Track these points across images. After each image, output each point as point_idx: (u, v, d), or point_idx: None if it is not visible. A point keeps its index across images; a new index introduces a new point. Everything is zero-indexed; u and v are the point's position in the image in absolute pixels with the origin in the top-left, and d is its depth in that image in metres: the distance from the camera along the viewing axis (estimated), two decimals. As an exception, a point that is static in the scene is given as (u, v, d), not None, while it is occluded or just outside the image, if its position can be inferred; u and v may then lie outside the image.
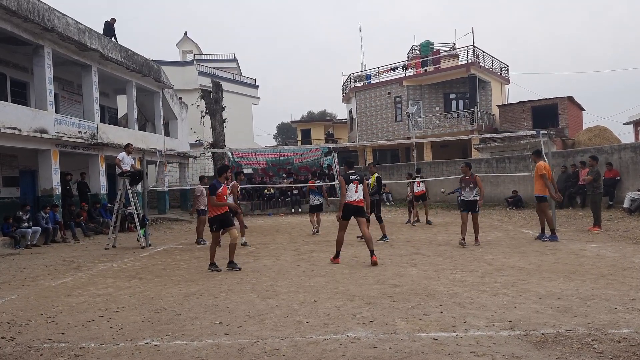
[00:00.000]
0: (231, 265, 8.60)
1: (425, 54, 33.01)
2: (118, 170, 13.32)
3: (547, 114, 28.52)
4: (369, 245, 8.65)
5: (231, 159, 25.30)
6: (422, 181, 16.22)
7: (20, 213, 13.88)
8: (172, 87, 25.95)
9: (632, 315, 4.99)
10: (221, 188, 8.71)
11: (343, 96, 39.42)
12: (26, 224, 13.80)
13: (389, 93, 33.13)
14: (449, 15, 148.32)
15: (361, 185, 8.83)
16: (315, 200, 14.54)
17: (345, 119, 42.50)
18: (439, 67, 32.05)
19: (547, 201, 10.99)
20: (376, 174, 12.85)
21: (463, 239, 10.43)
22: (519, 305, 5.51)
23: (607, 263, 7.84)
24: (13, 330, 5.37)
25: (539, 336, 4.45)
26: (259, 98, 46.76)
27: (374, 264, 8.34)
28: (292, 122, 50.50)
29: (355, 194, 8.73)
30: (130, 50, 20.94)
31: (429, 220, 15.97)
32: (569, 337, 4.41)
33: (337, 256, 8.89)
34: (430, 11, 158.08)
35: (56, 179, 16.15)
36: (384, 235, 11.90)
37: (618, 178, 16.66)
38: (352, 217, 8.81)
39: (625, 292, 5.92)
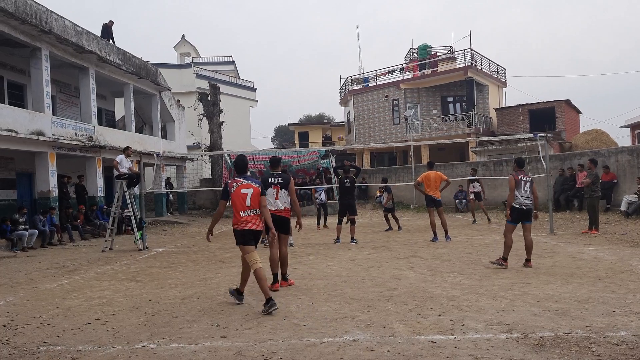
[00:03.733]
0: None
1: (423, 57, 33.07)
2: (116, 173, 13.30)
3: (544, 117, 28.58)
4: (281, 267, 7.13)
5: (228, 161, 25.27)
6: (477, 180, 16.82)
7: (17, 215, 13.84)
8: (170, 90, 25.93)
9: (629, 318, 4.99)
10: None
11: (341, 99, 39.44)
12: (23, 226, 13.76)
13: (386, 96, 33.15)
14: (447, 18, 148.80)
15: (284, 190, 7.04)
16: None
17: (343, 122, 42.52)
18: (437, 70, 32.11)
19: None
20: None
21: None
22: (516, 308, 5.50)
23: (604, 266, 7.85)
24: (9, 333, 5.34)
25: (536, 339, 4.45)
26: (257, 101, 46.75)
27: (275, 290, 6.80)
28: (289, 124, 50.53)
29: (275, 201, 6.98)
30: (128, 53, 20.92)
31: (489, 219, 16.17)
32: (567, 339, 4.41)
33: (274, 281, 7.00)
34: (428, 14, 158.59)
35: (53, 182, 16.10)
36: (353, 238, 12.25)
37: (615, 181, 16.70)
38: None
39: (623, 295, 5.93)
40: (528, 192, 8.09)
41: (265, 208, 5.98)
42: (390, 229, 15.12)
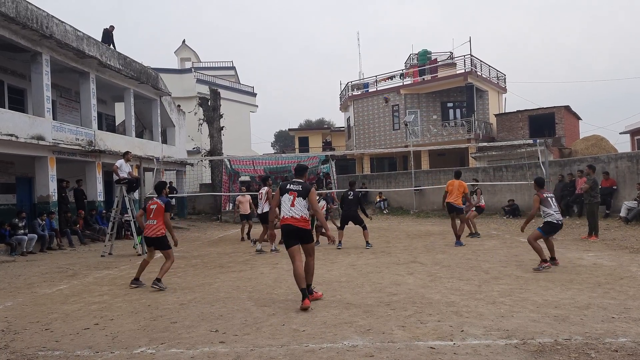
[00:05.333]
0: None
1: (423, 62, 33.14)
2: (115, 178, 13.30)
3: (544, 123, 28.62)
4: (308, 277, 6.51)
5: (229, 166, 25.29)
6: (475, 192, 15.47)
7: (16, 220, 13.82)
8: (170, 95, 25.98)
9: (629, 324, 4.99)
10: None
11: (341, 104, 39.50)
12: (22, 231, 13.74)
13: (386, 101, 33.21)
14: (447, 24, 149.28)
15: (301, 199, 6.52)
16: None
17: (343, 127, 42.57)
18: (437, 76, 32.16)
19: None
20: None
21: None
22: (516, 314, 5.50)
23: (604, 272, 7.85)
24: (8, 338, 5.33)
25: (536, 345, 4.44)
26: (257, 106, 46.85)
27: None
28: (289, 130, 50.60)
29: (290, 208, 6.48)
30: (129, 58, 20.97)
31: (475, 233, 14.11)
32: (566, 346, 4.41)
33: (304, 296, 6.21)
34: (428, 20, 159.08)
35: (53, 186, 16.10)
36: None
37: (615, 187, 16.70)
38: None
39: (623, 301, 5.92)
40: (556, 206, 8.60)
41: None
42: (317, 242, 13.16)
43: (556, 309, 5.65)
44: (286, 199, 6.53)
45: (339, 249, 12.11)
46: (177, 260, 11.39)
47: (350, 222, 12.78)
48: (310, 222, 6.72)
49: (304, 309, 6.01)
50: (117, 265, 10.93)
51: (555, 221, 8.42)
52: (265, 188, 12.61)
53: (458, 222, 12.39)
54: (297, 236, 6.43)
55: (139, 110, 24.24)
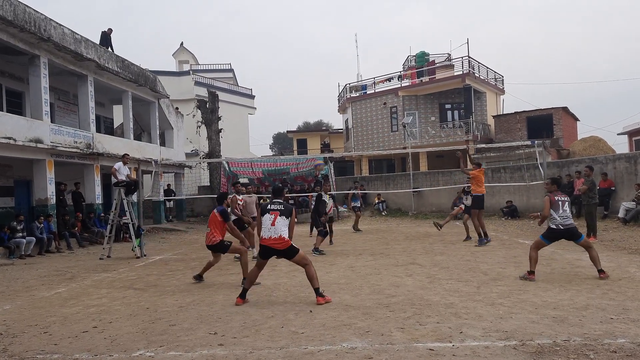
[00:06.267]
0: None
1: (421, 64, 33.18)
2: (114, 180, 13.29)
3: (542, 124, 28.67)
4: (312, 283, 6.70)
5: (227, 168, 25.28)
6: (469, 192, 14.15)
7: (15, 223, 13.80)
8: (168, 97, 25.96)
9: (628, 325, 4.99)
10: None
11: (339, 106, 39.52)
12: (20, 234, 13.73)
13: (384, 103, 33.26)
14: (445, 26, 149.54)
15: (283, 217, 6.65)
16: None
17: (341, 129, 42.58)
18: (435, 77, 32.20)
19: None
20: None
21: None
22: (515, 315, 5.50)
23: (602, 273, 7.84)
24: (6, 342, 5.32)
25: (535, 346, 4.45)
26: (255, 108, 46.84)
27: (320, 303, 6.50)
28: (288, 132, 50.57)
29: (271, 227, 6.59)
30: (127, 60, 20.97)
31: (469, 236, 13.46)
32: (565, 347, 4.41)
33: (243, 296, 6.74)
34: (426, 22, 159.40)
35: (51, 189, 16.07)
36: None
37: (613, 188, 16.73)
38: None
39: (621, 302, 5.93)
40: (567, 212, 7.77)
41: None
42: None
43: (555, 310, 5.66)
44: (267, 218, 6.65)
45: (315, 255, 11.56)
46: (175, 263, 11.42)
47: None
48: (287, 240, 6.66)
49: (237, 304, 6.56)
50: (116, 268, 10.92)
51: (556, 226, 7.72)
52: (233, 195, 11.60)
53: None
54: (276, 255, 6.72)
55: (137, 113, 24.22)
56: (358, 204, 19.03)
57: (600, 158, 18.15)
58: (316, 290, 6.57)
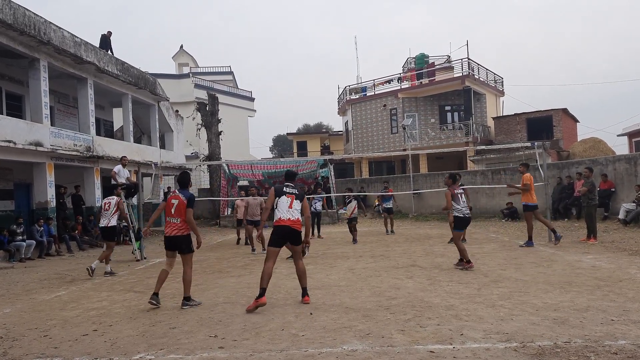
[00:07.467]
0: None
1: (421, 66, 33.22)
2: (114, 183, 13.28)
3: (541, 125, 28.67)
4: (300, 281, 6.90)
5: (227, 171, 25.28)
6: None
7: (15, 226, 13.80)
8: (168, 100, 25.98)
9: (628, 327, 4.98)
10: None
11: (339, 108, 39.55)
12: (20, 237, 13.72)
13: (384, 105, 33.28)
14: (444, 26, 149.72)
15: (298, 201, 6.80)
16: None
17: (341, 131, 42.60)
18: (434, 79, 32.24)
19: (531, 210, 11.89)
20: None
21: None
22: (515, 317, 5.50)
23: (603, 274, 7.85)
24: (6, 345, 5.32)
25: (535, 348, 4.44)
26: (255, 110, 46.87)
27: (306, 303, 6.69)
28: (288, 134, 50.64)
29: (288, 209, 6.71)
30: (127, 63, 20.98)
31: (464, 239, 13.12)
32: (565, 349, 4.40)
33: (261, 295, 6.42)
34: (425, 24, 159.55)
35: (51, 192, 16.07)
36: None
37: (613, 189, 16.73)
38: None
39: (622, 304, 5.92)
40: (465, 202, 9.33)
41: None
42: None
43: (555, 312, 5.65)
44: (284, 200, 6.76)
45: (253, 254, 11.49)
46: (175, 266, 11.36)
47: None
48: (301, 223, 6.91)
49: (258, 306, 6.32)
50: (116, 271, 10.90)
51: (462, 215, 9.15)
52: (116, 198, 10.88)
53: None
54: (289, 238, 6.70)
55: (137, 116, 24.24)
56: (390, 205, 17.66)
57: (600, 159, 18.15)
58: (304, 289, 6.83)
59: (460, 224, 9.24)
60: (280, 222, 6.65)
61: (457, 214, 9.15)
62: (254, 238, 11.13)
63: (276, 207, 6.76)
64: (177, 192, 7.12)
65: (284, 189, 6.87)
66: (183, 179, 7.24)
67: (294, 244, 6.78)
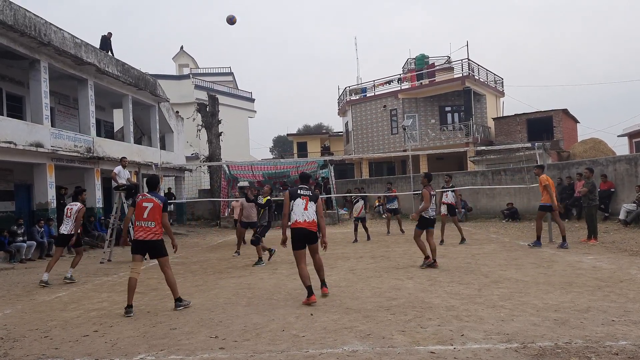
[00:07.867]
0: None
1: (421, 67, 33.22)
2: (114, 184, 13.29)
3: (542, 126, 28.68)
4: (319, 274, 7.21)
5: (227, 172, 25.29)
6: (453, 191, 13.82)
7: (15, 227, 13.80)
8: (169, 101, 26.00)
9: (629, 327, 4.98)
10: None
11: (339, 109, 39.55)
12: (21, 238, 13.72)
13: (384, 106, 33.28)
14: (444, 26, 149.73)
15: (312, 203, 6.98)
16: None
17: (342, 132, 42.60)
18: (434, 80, 32.25)
19: (544, 210, 11.90)
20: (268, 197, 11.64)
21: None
22: (516, 318, 5.49)
23: (603, 275, 7.84)
24: (7, 346, 5.32)
25: (536, 349, 4.44)
26: (255, 111, 46.91)
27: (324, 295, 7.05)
28: (288, 135, 50.63)
29: (304, 211, 6.88)
30: (127, 64, 20.99)
31: (463, 239, 13.13)
32: (566, 349, 4.40)
33: (310, 293, 6.69)
34: (425, 24, 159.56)
35: (52, 193, 16.08)
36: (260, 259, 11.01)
37: (613, 190, 16.72)
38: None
39: (623, 304, 5.92)
40: (434, 204, 9.58)
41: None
42: (356, 240, 15.10)
43: (556, 313, 5.65)
44: (299, 202, 6.95)
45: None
46: (176, 266, 11.38)
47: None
48: (316, 224, 7.11)
49: (310, 304, 6.54)
50: (116, 271, 10.91)
51: (428, 216, 9.35)
52: (79, 205, 9.95)
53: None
54: (307, 239, 6.91)
55: (138, 117, 24.25)
56: (395, 205, 17.69)
57: (600, 160, 18.15)
58: (322, 281, 7.20)
59: (423, 224, 9.37)
60: (296, 224, 6.87)
61: (423, 214, 9.32)
62: (259, 249, 11.12)
63: (292, 210, 6.94)
64: (148, 194, 6.87)
65: (299, 191, 7.04)
66: (153, 181, 7.14)
67: (311, 243, 7.00)
